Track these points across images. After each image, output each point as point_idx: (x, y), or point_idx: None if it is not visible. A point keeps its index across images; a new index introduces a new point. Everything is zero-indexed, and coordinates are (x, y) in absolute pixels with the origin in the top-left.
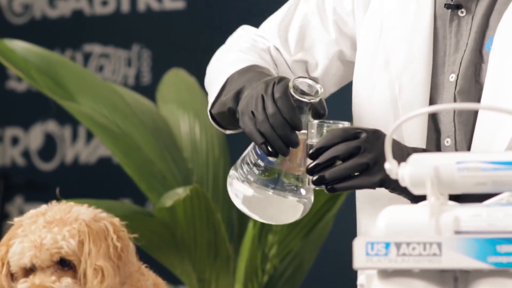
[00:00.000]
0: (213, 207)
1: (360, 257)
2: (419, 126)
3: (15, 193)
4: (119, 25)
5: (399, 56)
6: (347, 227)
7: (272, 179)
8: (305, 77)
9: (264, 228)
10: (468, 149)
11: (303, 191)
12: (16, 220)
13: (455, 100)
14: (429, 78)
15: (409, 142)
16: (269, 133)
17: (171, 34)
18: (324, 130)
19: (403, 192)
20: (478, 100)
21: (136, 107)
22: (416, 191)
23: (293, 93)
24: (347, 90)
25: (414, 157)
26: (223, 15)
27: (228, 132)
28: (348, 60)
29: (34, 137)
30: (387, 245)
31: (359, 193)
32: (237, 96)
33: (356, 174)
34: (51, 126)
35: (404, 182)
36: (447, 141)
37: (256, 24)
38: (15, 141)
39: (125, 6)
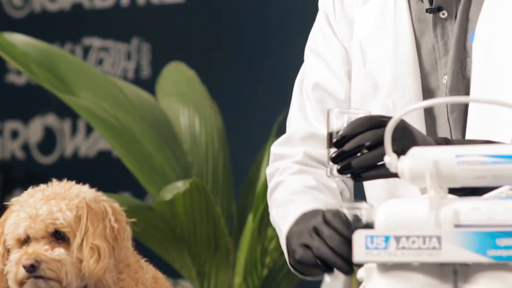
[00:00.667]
0: (213, 201)
1: (359, 250)
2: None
3: (15, 187)
4: (118, 19)
5: (386, 76)
6: None
7: None
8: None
9: (263, 222)
10: None
11: None
12: (14, 199)
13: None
14: (420, 88)
15: None
16: (330, 255)
17: (170, 28)
18: (345, 119)
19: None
20: (467, 95)
21: (136, 101)
22: (415, 185)
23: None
24: None
25: (413, 150)
26: (223, 8)
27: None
28: None
29: (33, 131)
30: (387, 238)
31: (373, 190)
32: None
33: (381, 163)
34: (51, 119)
35: (403, 176)
36: None
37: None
38: (14, 134)
39: (125, 0)
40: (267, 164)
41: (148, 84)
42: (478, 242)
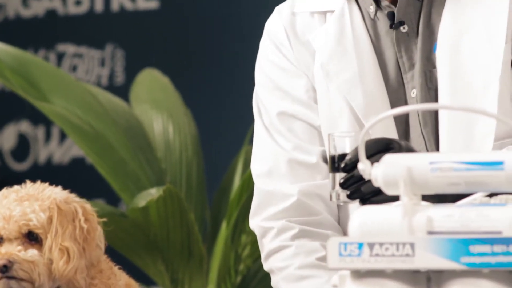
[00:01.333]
0: (186, 207)
1: (333, 257)
2: None
3: None
4: (92, 25)
5: (358, 97)
6: None
7: None
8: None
9: (237, 229)
10: None
11: None
12: None
13: (418, 114)
14: (388, 104)
15: None
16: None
17: (144, 34)
18: (347, 142)
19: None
20: None
21: (110, 107)
22: (389, 192)
23: None
24: None
25: (387, 157)
26: (197, 15)
27: None
28: None
29: (7, 137)
30: (360, 245)
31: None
32: None
33: None
34: (24, 126)
35: (377, 183)
36: None
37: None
38: None
39: (99, 6)
40: (241, 170)
41: (122, 91)
42: (452, 249)
